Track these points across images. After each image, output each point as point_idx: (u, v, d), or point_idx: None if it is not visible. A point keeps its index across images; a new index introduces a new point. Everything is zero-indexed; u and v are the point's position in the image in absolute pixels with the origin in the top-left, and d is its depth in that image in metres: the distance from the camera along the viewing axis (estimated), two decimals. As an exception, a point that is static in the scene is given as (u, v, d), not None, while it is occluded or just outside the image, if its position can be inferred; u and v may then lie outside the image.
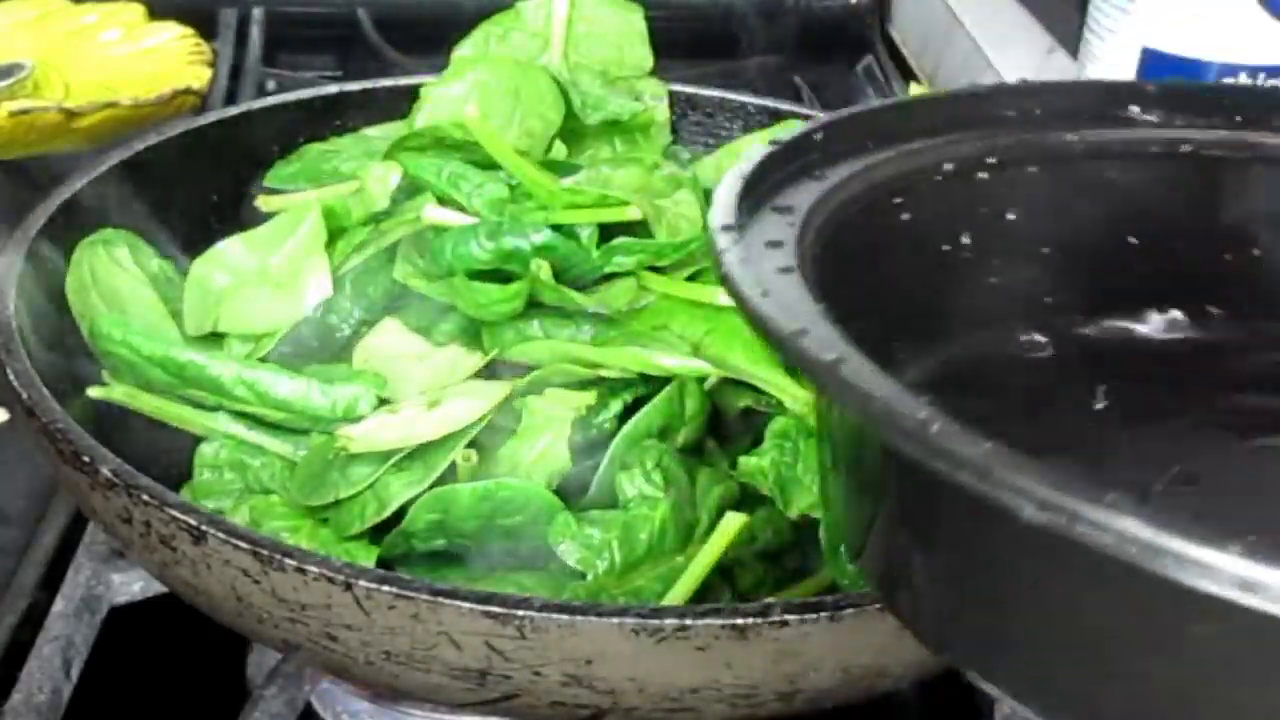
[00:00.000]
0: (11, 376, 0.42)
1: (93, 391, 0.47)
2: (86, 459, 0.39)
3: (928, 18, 0.91)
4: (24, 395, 0.41)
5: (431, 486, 0.44)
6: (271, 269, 0.51)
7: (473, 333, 0.50)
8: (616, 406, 0.48)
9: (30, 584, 0.51)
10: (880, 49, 0.96)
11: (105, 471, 0.39)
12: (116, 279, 0.51)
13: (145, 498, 0.38)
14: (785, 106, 0.66)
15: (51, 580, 0.51)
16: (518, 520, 0.44)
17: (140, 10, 0.85)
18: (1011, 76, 0.77)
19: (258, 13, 0.91)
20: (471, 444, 0.45)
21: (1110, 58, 0.64)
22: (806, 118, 0.64)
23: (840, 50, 0.94)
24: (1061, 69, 0.74)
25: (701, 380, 0.48)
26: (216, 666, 0.52)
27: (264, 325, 0.50)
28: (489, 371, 0.49)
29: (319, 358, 0.50)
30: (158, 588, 0.49)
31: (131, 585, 0.51)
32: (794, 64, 0.85)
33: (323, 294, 0.50)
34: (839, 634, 0.37)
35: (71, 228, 0.51)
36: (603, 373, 0.48)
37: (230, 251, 0.52)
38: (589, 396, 0.47)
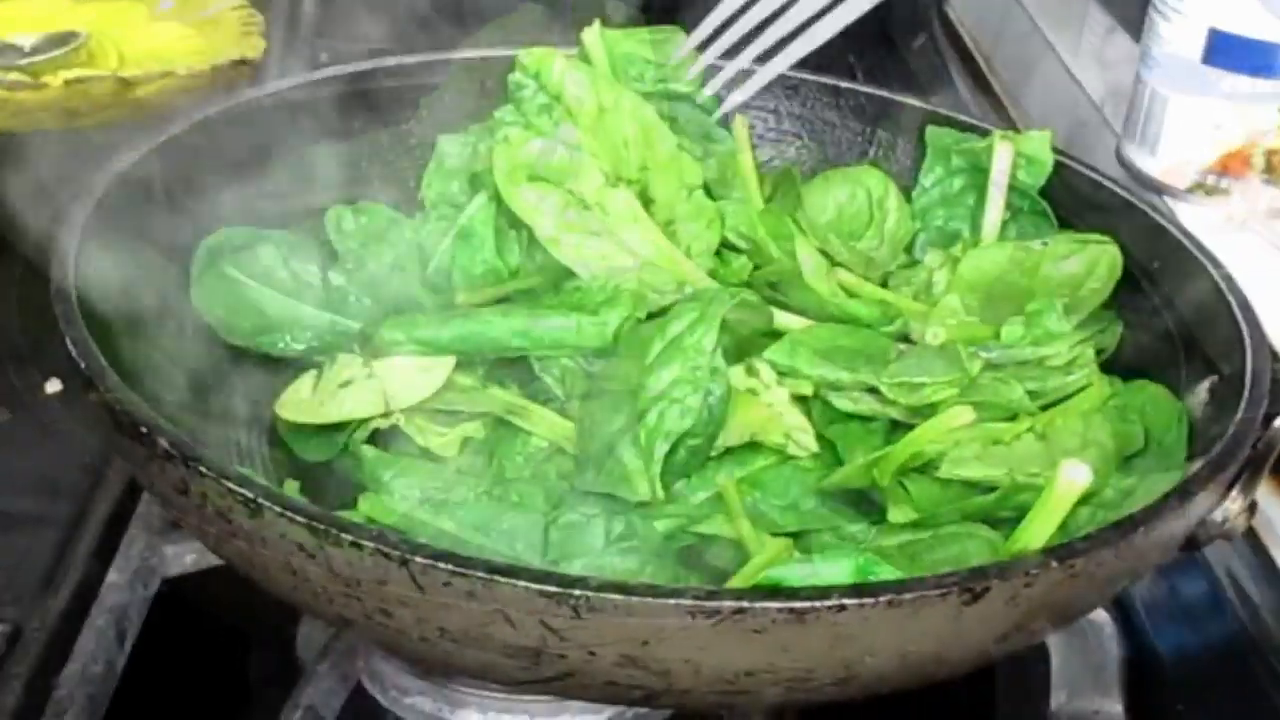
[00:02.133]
0: (70, 346, 0.42)
1: None
2: (144, 430, 0.39)
3: (986, -1, 0.90)
4: (82, 365, 0.41)
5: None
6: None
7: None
8: None
9: (84, 555, 0.52)
10: (937, 28, 0.95)
11: (163, 443, 0.38)
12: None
13: (203, 469, 0.38)
14: (845, 84, 0.65)
15: (105, 551, 0.52)
16: None
17: None
18: (1069, 56, 0.76)
19: None
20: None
21: (1176, 38, 0.63)
22: (867, 95, 0.64)
23: (897, 29, 0.93)
24: (1122, 49, 0.73)
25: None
26: (266, 639, 0.52)
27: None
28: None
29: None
30: (209, 560, 0.49)
31: (184, 557, 0.51)
32: (849, 43, 0.84)
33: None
34: (898, 619, 0.36)
35: (132, 199, 0.51)
36: None
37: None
38: None
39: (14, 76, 0.70)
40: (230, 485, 0.37)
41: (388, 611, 0.37)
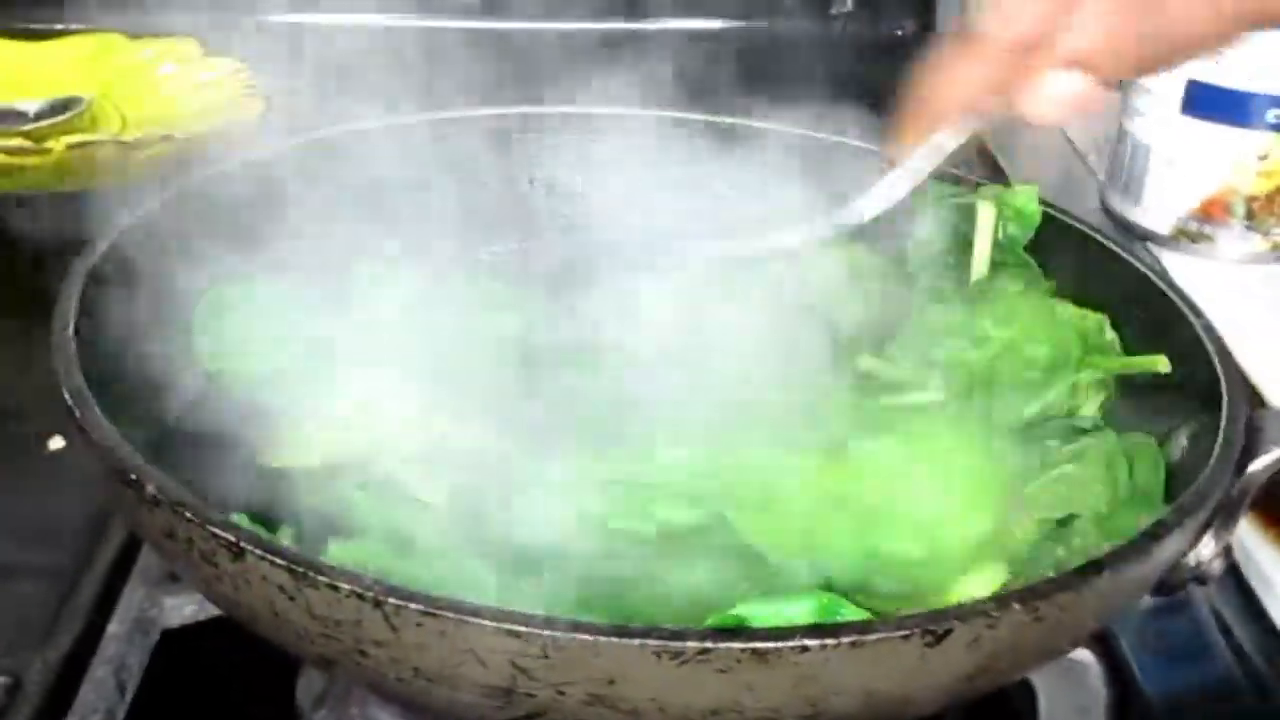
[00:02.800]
0: (66, 397, 0.44)
1: None
2: (134, 476, 0.40)
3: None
4: (77, 414, 0.43)
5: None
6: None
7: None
8: None
9: (85, 606, 0.53)
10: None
11: (150, 489, 0.40)
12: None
13: (188, 515, 0.39)
14: (838, 138, 0.67)
15: (105, 603, 0.52)
16: None
17: (195, 46, 0.88)
18: None
19: (309, 48, 0.93)
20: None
21: (1155, 89, 0.64)
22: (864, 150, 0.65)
23: (887, 78, 0.94)
24: (1107, 100, 0.74)
25: None
26: (266, 690, 0.52)
27: None
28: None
29: None
30: (209, 611, 0.50)
31: (183, 608, 0.52)
32: (840, 92, 0.85)
33: None
34: (861, 660, 0.37)
35: (133, 255, 0.52)
36: None
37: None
38: None
39: (17, 141, 0.72)
40: (214, 530, 0.38)
41: (364, 651, 0.38)
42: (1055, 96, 0.49)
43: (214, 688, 0.53)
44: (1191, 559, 0.46)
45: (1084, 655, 0.52)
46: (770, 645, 0.36)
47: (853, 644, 0.36)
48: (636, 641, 0.36)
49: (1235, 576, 0.56)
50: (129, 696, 0.49)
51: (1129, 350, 0.56)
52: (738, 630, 0.37)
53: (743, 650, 0.36)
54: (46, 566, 0.54)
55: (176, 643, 0.51)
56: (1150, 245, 0.66)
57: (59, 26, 0.92)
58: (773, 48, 0.89)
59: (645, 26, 0.89)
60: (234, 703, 0.53)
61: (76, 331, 0.47)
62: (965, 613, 0.38)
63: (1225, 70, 0.62)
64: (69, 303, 0.48)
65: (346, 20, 0.97)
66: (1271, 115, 0.62)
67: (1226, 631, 0.55)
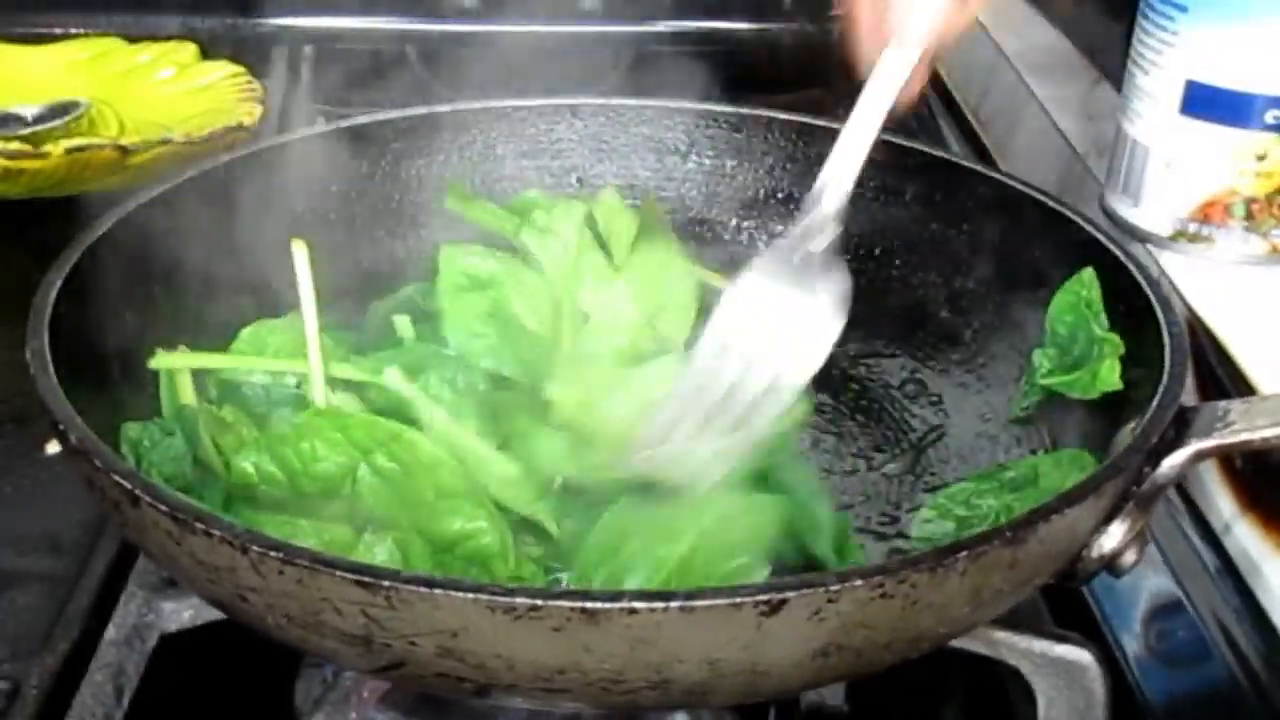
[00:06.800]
0: (28, 354, 0.47)
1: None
2: (61, 426, 0.44)
3: (973, 51, 0.90)
4: (31, 368, 0.46)
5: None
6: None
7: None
8: None
9: (82, 612, 0.53)
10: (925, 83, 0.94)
11: (73, 438, 0.43)
12: None
13: (96, 463, 0.42)
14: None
15: (103, 608, 0.53)
16: None
17: (193, 50, 0.89)
18: (1055, 110, 0.76)
19: (308, 50, 0.95)
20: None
21: (1155, 90, 0.63)
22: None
23: None
24: (1106, 101, 0.72)
25: None
26: (264, 695, 0.54)
27: None
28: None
29: None
30: (207, 616, 0.51)
31: (181, 613, 0.52)
32: (839, 97, 0.85)
33: None
34: (695, 626, 0.37)
35: (108, 259, 0.54)
36: None
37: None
38: None
39: (15, 145, 0.73)
40: (115, 478, 0.41)
41: (243, 597, 0.41)
42: None
43: (211, 692, 0.54)
44: (1095, 550, 0.45)
45: (1083, 657, 0.51)
46: (599, 605, 0.37)
47: (682, 609, 0.37)
48: (471, 595, 0.37)
49: (1235, 577, 0.54)
50: (126, 702, 0.50)
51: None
52: (570, 591, 0.38)
53: (572, 609, 0.37)
54: (44, 572, 0.55)
55: (174, 648, 0.51)
56: (1150, 247, 0.65)
57: (58, 30, 0.93)
58: (772, 50, 0.89)
59: (646, 29, 0.91)
60: (231, 707, 0.54)
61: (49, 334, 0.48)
62: (801, 584, 0.38)
63: (1223, 71, 0.61)
64: (44, 307, 0.49)
65: (345, 23, 0.99)
66: (1270, 116, 0.60)
67: (1228, 635, 0.53)
